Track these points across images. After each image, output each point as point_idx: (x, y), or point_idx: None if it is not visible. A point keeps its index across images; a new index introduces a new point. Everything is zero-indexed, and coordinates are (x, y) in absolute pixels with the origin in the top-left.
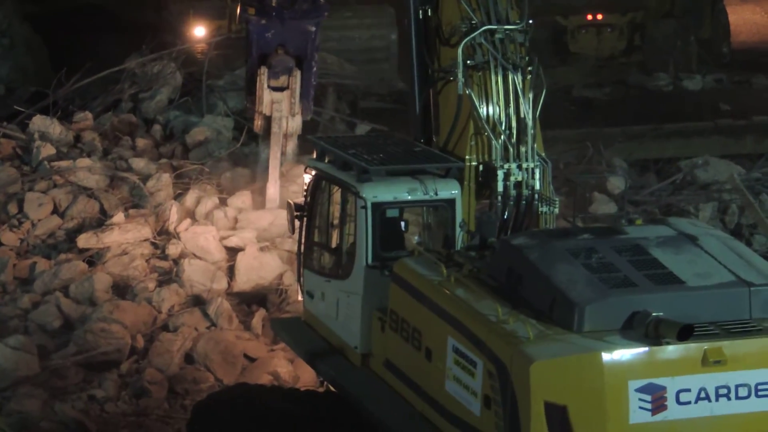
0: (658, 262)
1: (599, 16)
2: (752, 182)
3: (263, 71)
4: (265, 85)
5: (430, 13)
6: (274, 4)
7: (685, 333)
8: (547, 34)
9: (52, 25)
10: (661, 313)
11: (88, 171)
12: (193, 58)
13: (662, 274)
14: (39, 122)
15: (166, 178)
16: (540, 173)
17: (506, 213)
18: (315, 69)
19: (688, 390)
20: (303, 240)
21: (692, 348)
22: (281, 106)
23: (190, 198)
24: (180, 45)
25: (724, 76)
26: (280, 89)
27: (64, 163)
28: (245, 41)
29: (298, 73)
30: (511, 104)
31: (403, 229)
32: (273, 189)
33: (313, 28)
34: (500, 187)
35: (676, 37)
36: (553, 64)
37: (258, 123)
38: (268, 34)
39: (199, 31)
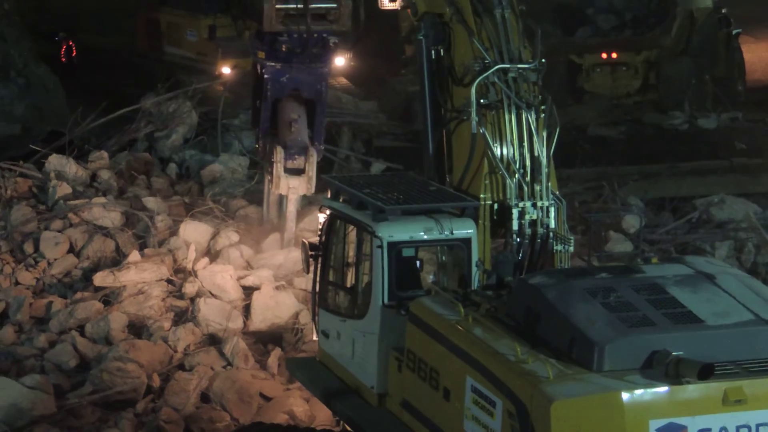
0: (677, 300)
1: (614, 55)
2: None
3: (279, 151)
4: (282, 169)
5: (442, 53)
6: (284, 50)
7: (705, 372)
8: (562, 73)
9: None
10: (681, 353)
11: (103, 210)
12: (209, 96)
13: (681, 313)
14: (55, 161)
15: (181, 217)
16: (555, 212)
17: (521, 252)
18: (325, 113)
19: (709, 429)
20: (318, 279)
21: (713, 387)
22: (297, 190)
23: (205, 236)
24: (196, 84)
25: (739, 115)
26: (296, 172)
27: (79, 202)
28: (254, 80)
29: (314, 154)
30: (525, 143)
31: (419, 268)
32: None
33: (326, 71)
34: (515, 226)
35: (691, 76)
36: (568, 103)
37: (261, 150)
38: (283, 79)
39: (224, 69)
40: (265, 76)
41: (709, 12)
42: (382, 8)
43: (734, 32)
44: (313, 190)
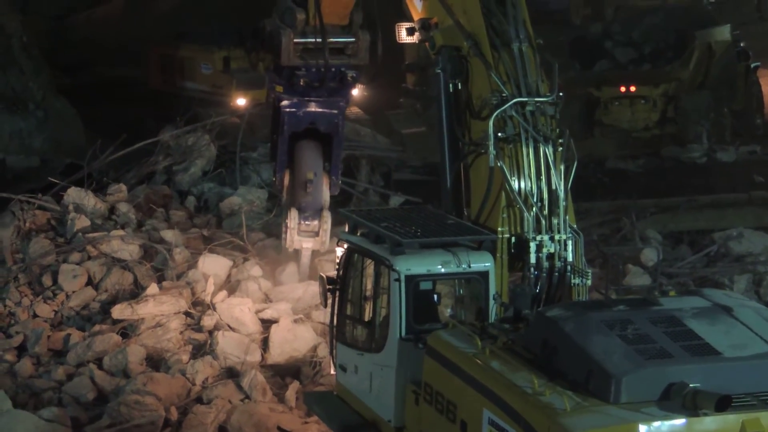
0: (694, 333)
1: (632, 88)
2: None
3: (293, 214)
4: (295, 231)
5: (460, 87)
6: (302, 84)
7: (723, 404)
8: (581, 106)
9: (86, 97)
10: (698, 384)
11: (122, 242)
12: (228, 129)
13: (698, 345)
14: (74, 194)
15: (199, 249)
16: (572, 245)
17: (539, 285)
18: (342, 146)
19: None
20: (336, 313)
21: (730, 419)
22: (310, 250)
23: (224, 269)
24: (215, 117)
25: (757, 148)
26: (310, 234)
27: (98, 235)
28: (273, 114)
29: (328, 217)
30: (543, 176)
31: (436, 301)
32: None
33: (343, 105)
34: (533, 259)
35: (710, 109)
36: (586, 136)
37: (278, 184)
38: (300, 113)
39: (240, 101)
40: (282, 110)
41: (728, 45)
42: (400, 42)
43: (753, 65)
44: (326, 247)
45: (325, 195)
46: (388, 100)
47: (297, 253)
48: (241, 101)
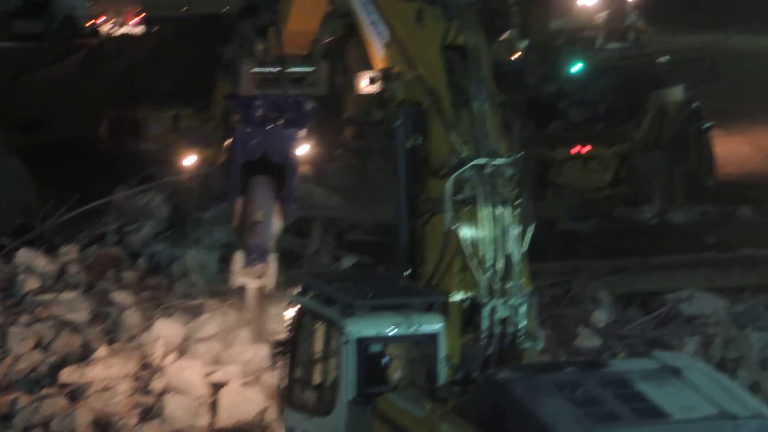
0: (643, 395)
1: (586, 149)
2: (737, 316)
3: (238, 256)
4: (240, 273)
5: (420, 143)
6: (260, 115)
7: None
8: (534, 166)
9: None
10: None
11: (71, 304)
12: (179, 190)
13: (647, 407)
14: (24, 255)
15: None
16: (525, 309)
17: (490, 347)
18: (297, 175)
19: None
20: (286, 376)
21: None
22: (255, 289)
23: (175, 331)
24: (167, 177)
25: (710, 209)
26: (255, 274)
27: (48, 297)
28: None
29: (275, 260)
30: (499, 239)
31: (386, 363)
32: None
33: (300, 135)
34: (486, 324)
35: (662, 170)
36: (539, 197)
37: (230, 211)
38: (253, 142)
39: (189, 160)
40: (235, 138)
41: (681, 106)
42: (359, 93)
43: (705, 126)
44: (273, 286)
45: (276, 227)
46: (324, 153)
47: (243, 292)
48: (190, 159)
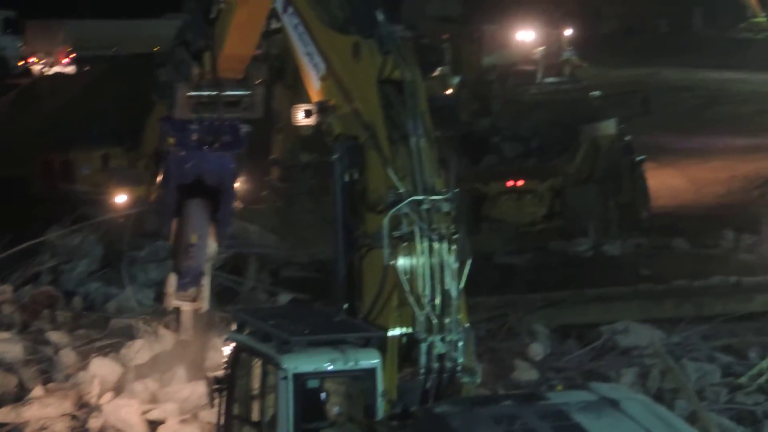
0: (581, 427)
1: (519, 183)
2: (673, 347)
3: (171, 279)
4: (173, 297)
5: (356, 177)
6: (195, 139)
7: None
8: (469, 201)
9: None
10: None
11: (6, 344)
12: (115, 228)
13: None
14: None
15: (85, 351)
16: (463, 345)
17: (429, 382)
18: (233, 198)
19: None
20: (223, 413)
21: None
22: (189, 312)
23: (111, 369)
24: (101, 216)
25: (644, 241)
26: (188, 298)
27: None
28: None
29: (207, 281)
30: (437, 275)
31: (324, 399)
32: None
33: (233, 160)
34: (423, 360)
35: (596, 203)
36: (474, 231)
37: (165, 233)
38: (187, 166)
39: (120, 198)
40: (169, 162)
41: (613, 139)
42: (296, 124)
43: (638, 159)
44: (206, 308)
45: (211, 249)
46: (251, 193)
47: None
48: (120, 198)
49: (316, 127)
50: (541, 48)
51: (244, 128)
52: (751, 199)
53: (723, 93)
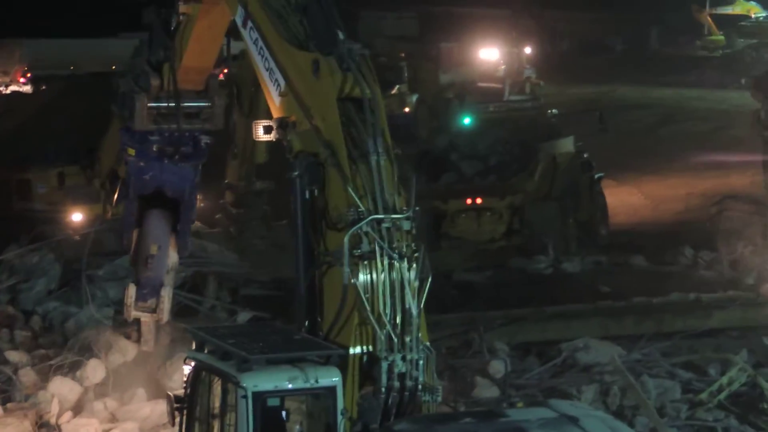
0: None
1: (478, 201)
2: (633, 363)
3: (131, 290)
4: (132, 307)
5: (317, 194)
6: (155, 150)
7: None
8: (428, 219)
9: None
10: None
11: None
12: (72, 247)
13: None
14: None
15: (44, 370)
16: (424, 363)
17: (389, 400)
18: (194, 209)
19: None
20: None
21: None
22: (149, 323)
23: (70, 389)
24: (59, 235)
25: (603, 258)
26: (148, 309)
27: None
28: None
29: (167, 292)
30: (397, 293)
31: (284, 418)
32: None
33: (193, 171)
34: (384, 379)
35: (555, 220)
36: (433, 249)
37: (126, 244)
38: (146, 177)
39: (76, 216)
40: (128, 172)
41: (571, 157)
42: (257, 140)
43: (596, 176)
44: (166, 319)
45: (172, 259)
46: (205, 216)
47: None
48: (77, 216)
49: (270, 154)
50: (503, 66)
51: (204, 139)
52: (709, 215)
53: (680, 110)
